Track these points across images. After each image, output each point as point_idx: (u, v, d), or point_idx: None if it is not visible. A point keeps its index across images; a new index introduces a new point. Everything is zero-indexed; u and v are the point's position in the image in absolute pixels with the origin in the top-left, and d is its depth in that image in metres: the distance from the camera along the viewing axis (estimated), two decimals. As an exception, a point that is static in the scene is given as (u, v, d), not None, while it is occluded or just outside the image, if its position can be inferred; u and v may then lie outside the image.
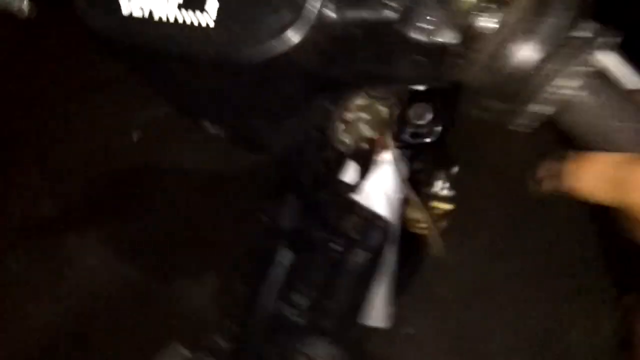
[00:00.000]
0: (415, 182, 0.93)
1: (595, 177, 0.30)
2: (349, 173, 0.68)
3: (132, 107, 1.50)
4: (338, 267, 0.67)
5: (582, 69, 0.32)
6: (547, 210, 1.33)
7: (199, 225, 1.36)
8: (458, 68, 0.34)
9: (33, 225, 1.45)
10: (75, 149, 1.59)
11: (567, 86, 0.32)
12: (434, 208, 0.92)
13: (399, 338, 1.25)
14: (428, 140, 0.67)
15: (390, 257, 0.83)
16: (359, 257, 0.69)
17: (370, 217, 0.69)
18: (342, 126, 0.51)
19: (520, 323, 1.29)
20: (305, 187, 0.60)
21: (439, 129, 0.67)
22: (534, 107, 0.33)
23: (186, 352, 0.72)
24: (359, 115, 0.51)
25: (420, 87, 0.52)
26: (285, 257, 0.63)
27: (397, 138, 0.67)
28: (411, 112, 0.66)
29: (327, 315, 0.69)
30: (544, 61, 0.32)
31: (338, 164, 0.59)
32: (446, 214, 0.94)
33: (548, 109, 0.34)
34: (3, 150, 1.61)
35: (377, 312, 0.92)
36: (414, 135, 0.67)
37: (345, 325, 0.78)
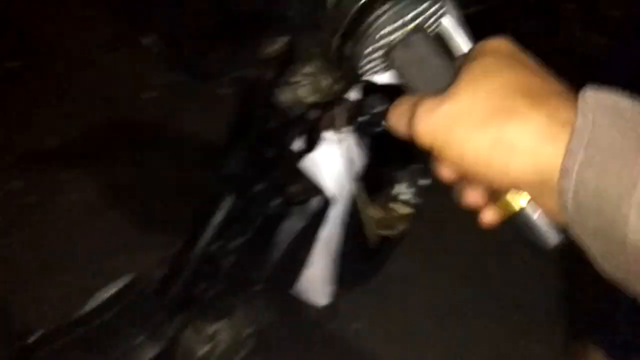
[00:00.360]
0: (377, 179, 0.99)
1: (401, 114, 0.36)
2: (299, 142, 0.75)
3: (149, 68, 1.62)
4: (273, 225, 0.74)
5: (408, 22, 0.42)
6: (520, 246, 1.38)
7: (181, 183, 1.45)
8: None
9: (34, 155, 1.57)
10: (88, 95, 1.71)
11: (393, 33, 0.42)
12: (391, 209, 0.98)
13: (347, 331, 1.30)
14: (378, 129, 0.73)
15: (331, 235, 0.89)
16: (293, 222, 0.76)
17: (310, 188, 0.76)
18: (284, 87, 0.58)
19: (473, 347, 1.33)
20: (253, 140, 0.66)
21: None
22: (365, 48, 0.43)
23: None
24: (300, 79, 0.58)
25: (382, 80, 0.58)
26: (226, 204, 0.70)
27: (349, 122, 0.73)
28: (367, 100, 0.71)
29: (257, 272, 0.76)
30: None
31: (285, 126, 0.65)
32: (403, 218, 0.99)
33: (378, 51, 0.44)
34: (24, 84, 1.73)
35: (315, 287, 0.98)
36: (368, 123, 0.73)
37: (277, 285, 0.84)
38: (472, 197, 0.36)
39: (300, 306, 1.21)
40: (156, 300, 0.72)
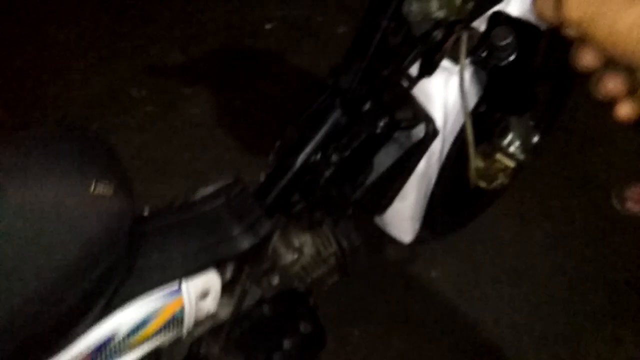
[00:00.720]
0: (488, 123, 0.96)
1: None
2: (416, 66, 0.74)
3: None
4: (375, 145, 0.74)
5: None
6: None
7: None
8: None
9: (160, 68, 1.71)
10: (214, 21, 1.80)
11: None
12: (496, 160, 0.94)
13: (422, 277, 1.30)
14: (501, 62, 0.70)
15: (430, 170, 0.88)
16: (396, 147, 0.76)
17: (419, 115, 0.75)
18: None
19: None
20: (372, 55, 0.66)
21: (512, 56, 0.69)
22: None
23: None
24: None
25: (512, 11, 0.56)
26: (334, 118, 0.72)
27: (471, 52, 0.70)
28: (494, 32, 0.68)
29: (352, 189, 0.78)
30: None
31: (407, 43, 0.65)
32: (506, 171, 0.95)
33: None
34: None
35: (401, 221, 0.98)
36: (490, 55, 0.70)
37: (367, 209, 0.86)
38: (612, 85, 0.34)
39: (382, 242, 1.23)
40: (256, 200, 0.76)
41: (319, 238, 0.91)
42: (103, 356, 0.62)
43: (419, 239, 1.09)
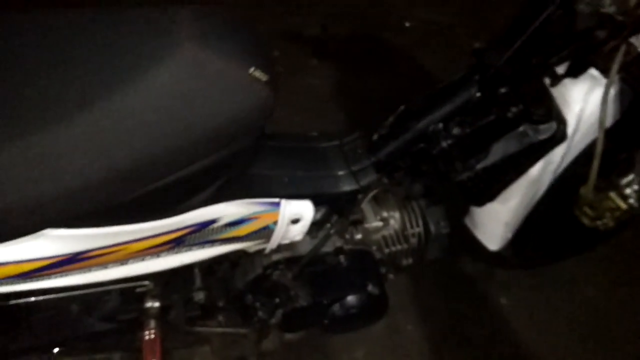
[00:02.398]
0: (610, 159, 0.92)
1: None
2: (563, 66, 0.73)
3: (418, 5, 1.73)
4: (500, 129, 0.75)
5: None
6: None
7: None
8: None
9: (296, 36, 1.81)
10: (357, 7, 1.89)
11: None
12: (607, 198, 0.90)
13: (493, 298, 1.26)
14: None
15: (540, 177, 0.86)
16: (520, 137, 0.76)
17: (553, 114, 0.74)
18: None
19: None
20: (525, 41, 0.67)
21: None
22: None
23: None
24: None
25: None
26: (470, 92, 0.73)
27: (625, 68, 0.68)
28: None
29: (461, 167, 0.78)
30: None
31: (567, 37, 0.64)
32: (615, 211, 0.91)
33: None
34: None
35: (493, 225, 0.97)
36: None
37: (470, 193, 0.85)
38: None
39: (462, 249, 1.22)
40: (366, 152, 0.80)
41: (408, 215, 0.93)
42: (199, 236, 0.68)
43: (498, 259, 1.06)
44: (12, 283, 0.58)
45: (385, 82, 1.66)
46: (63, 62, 0.54)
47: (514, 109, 0.71)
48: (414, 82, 1.67)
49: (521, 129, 0.73)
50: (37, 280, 0.60)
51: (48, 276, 0.60)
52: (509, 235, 0.96)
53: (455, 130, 0.74)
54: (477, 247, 1.02)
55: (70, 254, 0.57)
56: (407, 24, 1.82)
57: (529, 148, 0.74)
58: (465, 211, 0.99)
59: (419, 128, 0.76)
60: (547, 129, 0.73)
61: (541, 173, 0.82)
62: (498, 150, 0.76)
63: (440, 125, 0.75)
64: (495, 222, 0.93)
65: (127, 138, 0.52)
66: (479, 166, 0.77)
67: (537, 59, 0.69)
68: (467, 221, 1.01)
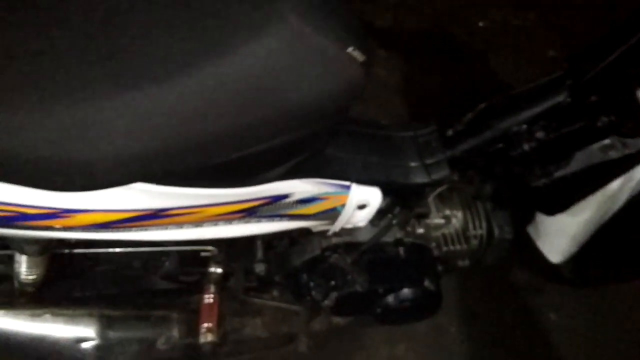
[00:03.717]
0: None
1: None
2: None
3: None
4: (585, 138, 0.72)
5: None
6: None
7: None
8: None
9: (366, 26, 1.80)
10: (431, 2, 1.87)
11: None
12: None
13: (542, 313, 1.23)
14: None
15: (617, 194, 0.83)
16: (604, 149, 0.73)
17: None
18: None
19: None
20: (625, 51, 0.65)
21: None
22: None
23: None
24: None
25: None
26: (560, 96, 0.71)
27: None
28: None
29: (541, 172, 0.76)
30: None
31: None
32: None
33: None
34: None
35: (559, 237, 0.94)
36: None
37: (543, 201, 0.83)
38: None
39: (520, 260, 1.19)
40: (441, 146, 0.79)
41: (472, 215, 0.91)
42: (271, 209, 0.69)
43: (556, 273, 1.04)
44: (92, 231, 0.61)
45: (452, 80, 1.63)
46: (169, 25, 0.55)
47: (604, 119, 0.69)
48: (481, 82, 1.64)
49: (608, 140, 0.71)
50: (116, 231, 0.62)
51: (127, 229, 0.62)
52: (574, 249, 0.93)
53: (539, 134, 0.72)
54: (535, 257, 1.00)
55: (153, 209, 0.59)
56: (480, 24, 1.78)
57: (613, 161, 0.72)
58: (530, 219, 0.97)
59: (501, 127, 0.74)
60: (634, 144, 0.70)
61: (620, 188, 0.79)
62: (580, 160, 0.74)
63: (524, 127, 0.73)
64: (561, 234, 0.90)
65: (223, 104, 0.53)
66: (558, 174, 0.75)
67: (634, 70, 0.66)
68: (530, 230, 0.98)
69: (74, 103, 0.50)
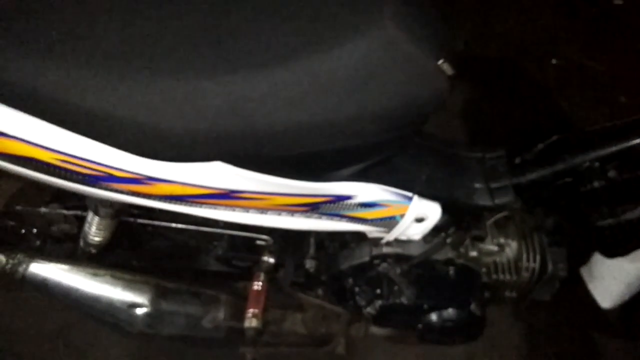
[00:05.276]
0: None
1: None
2: None
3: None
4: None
5: None
6: None
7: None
8: None
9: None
10: (505, 34, 1.86)
11: None
12: None
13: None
14: None
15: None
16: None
17: None
18: None
19: None
20: None
21: None
22: None
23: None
24: None
25: None
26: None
27: None
28: None
29: (606, 212, 0.75)
30: None
31: None
32: None
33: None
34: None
35: (614, 283, 0.92)
36: None
37: (605, 242, 0.82)
38: None
39: (569, 302, 1.16)
40: (508, 173, 0.79)
41: (527, 247, 0.90)
42: (333, 207, 0.71)
43: (602, 320, 1.01)
44: (167, 202, 0.64)
45: (515, 112, 1.62)
46: (271, 18, 0.58)
47: None
48: (545, 118, 1.62)
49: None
50: (188, 205, 0.65)
51: (198, 205, 0.65)
52: (626, 296, 0.90)
53: (612, 173, 0.71)
54: (584, 299, 0.98)
55: (227, 189, 0.62)
56: (553, 61, 1.76)
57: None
58: (585, 259, 0.95)
59: (573, 162, 0.74)
60: None
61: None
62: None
63: (597, 164, 0.73)
64: (616, 279, 0.88)
65: (312, 98, 0.56)
66: (625, 216, 0.73)
67: None
68: (584, 271, 0.96)
69: (176, 78, 0.54)
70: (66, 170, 0.58)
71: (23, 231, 0.92)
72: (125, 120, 0.54)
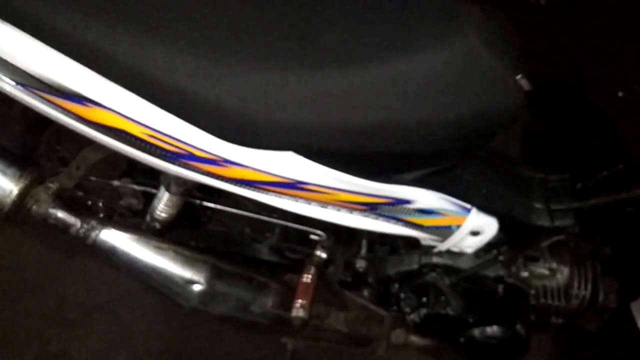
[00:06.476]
0: None
1: None
2: None
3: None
4: None
5: None
6: None
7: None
8: None
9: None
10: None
11: None
12: None
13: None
14: None
15: None
16: None
17: None
18: None
19: None
20: None
21: None
22: None
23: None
24: None
25: None
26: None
27: None
28: None
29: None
30: None
31: None
32: None
33: None
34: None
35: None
36: None
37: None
38: None
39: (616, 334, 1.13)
40: (571, 195, 0.79)
41: (579, 274, 0.89)
42: (391, 210, 0.73)
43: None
44: (238, 185, 0.68)
45: (579, 140, 1.59)
46: (356, 19, 0.61)
47: None
48: (605, 149, 1.58)
49: None
50: (256, 191, 0.68)
51: (265, 192, 0.68)
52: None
53: None
54: (631, 335, 0.95)
55: (294, 180, 0.65)
56: (620, 94, 1.72)
57: None
58: (638, 294, 0.93)
59: (637, 192, 0.73)
60: None
61: None
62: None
63: None
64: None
65: (389, 99, 0.58)
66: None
67: None
68: (634, 306, 0.94)
69: (263, 69, 0.57)
70: (151, 145, 0.63)
71: (90, 203, 0.99)
72: (212, 103, 0.58)
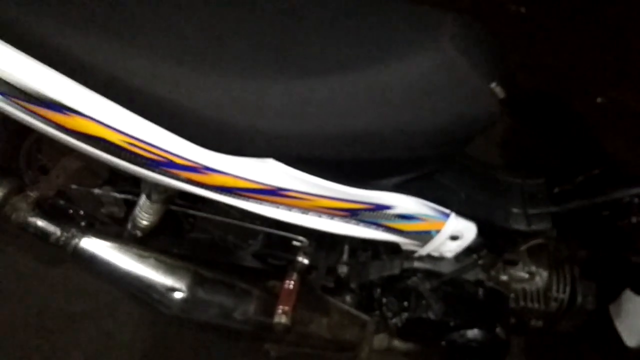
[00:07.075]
0: None
1: None
2: None
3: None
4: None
5: None
6: None
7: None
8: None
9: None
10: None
11: None
12: None
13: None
14: None
15: None
16: None
17: None
18: None
19: None
20: None
21: None
22: None
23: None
24: None
25: None
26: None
27: None
28: None
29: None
30: None
31: None
32: None
33: None
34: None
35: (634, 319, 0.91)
36: None
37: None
38: None
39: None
40: (548, 200, 0.80)
41: (557, 277, 0.90)
42: (371, 215, 0.73)
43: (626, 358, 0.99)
44: (218, 192, 0.68)
45: (557, 144, 1.62)
46: (335, 29, 0.62)
47: None
48: (587, 153, 1.61)
49: None
50: (236, 198, 0.69)
51: (246, 199, 0.69)
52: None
53: None
54: (609, 336, 0.97)
55: (275, 187, 0.65)
56: (598, 100, 1.76)
57: None
58: (615, 296, 0.95)
59: (614, 196, 0.75)
60: None
61: None
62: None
63: (637, 200, 0.73)
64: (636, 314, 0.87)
65: (366, 107, 0.59)
66: None
67: None
68: (612, 307, 0.96)
69: (243, 77, 0.58)
70: (131, 152, 0.63)
71: (71, 211, 0.98)
72: (191, 111, 0.58)
